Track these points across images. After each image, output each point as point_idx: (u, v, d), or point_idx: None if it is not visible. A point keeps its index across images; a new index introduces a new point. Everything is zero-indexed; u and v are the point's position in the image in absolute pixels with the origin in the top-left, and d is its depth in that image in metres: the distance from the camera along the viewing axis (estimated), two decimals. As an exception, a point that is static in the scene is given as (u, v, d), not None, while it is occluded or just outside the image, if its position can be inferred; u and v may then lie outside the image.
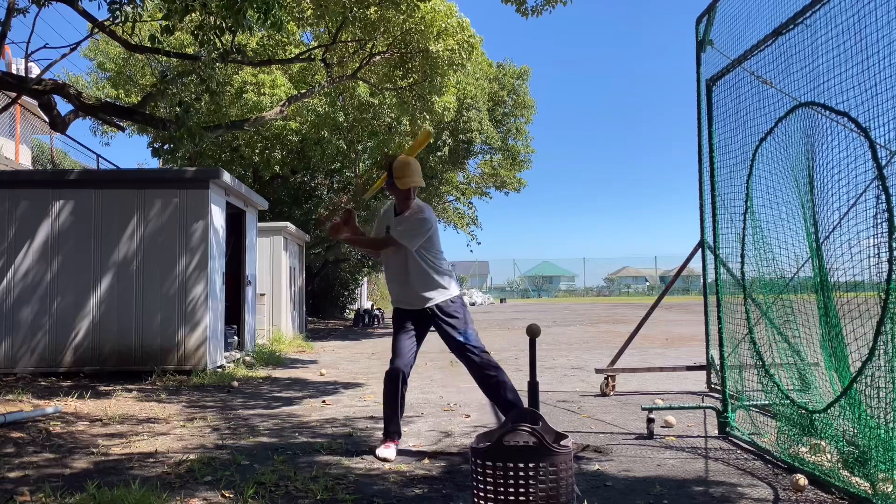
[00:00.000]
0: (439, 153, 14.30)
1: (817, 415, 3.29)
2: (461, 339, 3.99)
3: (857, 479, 2.97)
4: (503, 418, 5.07)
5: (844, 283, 2.86)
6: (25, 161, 16.53)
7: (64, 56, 7.57)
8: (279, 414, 5.38)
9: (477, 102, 14.39)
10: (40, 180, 8.16)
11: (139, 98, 10.56)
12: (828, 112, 2.87)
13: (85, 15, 7.41)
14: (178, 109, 7.15)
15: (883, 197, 2.36)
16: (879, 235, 2.41)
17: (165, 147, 9.62)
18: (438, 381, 7.44)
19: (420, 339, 4.11)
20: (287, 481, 3.36)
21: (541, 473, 2.52)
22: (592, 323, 18.08)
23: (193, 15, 6.36)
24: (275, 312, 12.31)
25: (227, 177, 7.99)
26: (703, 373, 6.16)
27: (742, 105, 3.93)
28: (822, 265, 3.13)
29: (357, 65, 9.69)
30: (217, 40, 6.51)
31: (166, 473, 3.54)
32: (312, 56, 9.82)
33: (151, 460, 3.83)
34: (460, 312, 4.07)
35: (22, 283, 7.45)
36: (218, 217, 7.91)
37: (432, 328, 4.11)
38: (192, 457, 3.86)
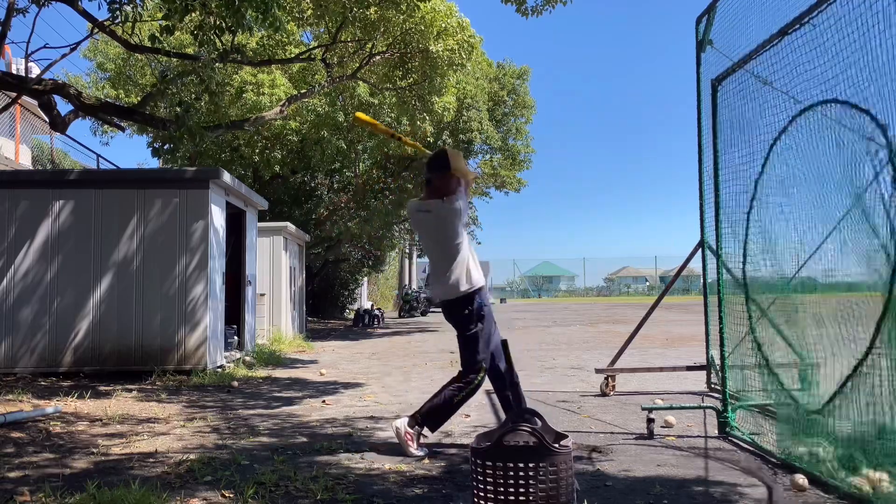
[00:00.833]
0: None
1: (816, 415, 3.29)
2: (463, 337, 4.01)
3: (858, 479, 2.97)
4: (503, 418, 5.07)
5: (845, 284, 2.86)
6: (25, 161, 16.53)
7: (64, 56, 7.58)
8: (279, 414, 5.38)
9: (477, 102, 14.39)
10: (40, 180, 8.16)
11: (139, 98, 10.56)
12: (850, 109, 2.85)
13: (85, 15, 7.41)
14: (177, 109, 7.15)
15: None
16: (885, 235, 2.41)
17: (165, 147, 9.62)
18: (439, 380, 7.44)
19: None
20: (287, 481, 3.36)
21: (541, 473, 2.52)
22: (592, 323, 18.08)
23: (193, 15, 6.36)
24: (275, 312, 12.31)
25: (227, 177, 7.99)
26: (703, 373, 6.16)
27: (750, 104, 3.91)
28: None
29: (357, 65, 9.69)
30: (217, 40, 6.52)
31: (166, 473, 3.54)
32: (312, 56, 9.82)
33: (151, 460, 3.83)
34: (471, 308, 4.07)
35: (22, 283, 7.45)
36: (218, 217, 7.91)
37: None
38: (192, 457, 3.86)
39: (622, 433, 4.51)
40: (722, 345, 4.39)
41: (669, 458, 3.82)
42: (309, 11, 9.05)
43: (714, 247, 4.61)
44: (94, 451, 4.06)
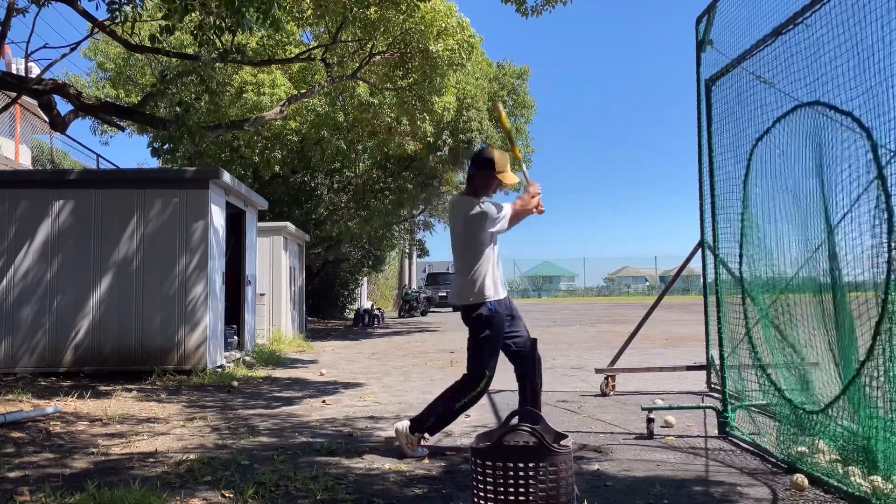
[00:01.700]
0: (439, 153, 14.30)
1: (816, 415, 3.30)
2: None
3: (858, 479, 2.97)
4: (503, 418, 5.08)
5: (846, 284, 2.86)
6: (25, 161, 16.53)
7: (64, 56, 7.58)
8: (279, 414, 5.38)
9: (477, 102, 14.38)
10: (40, 180, 8.16)
11: (139, 98, 10.56)
12: (831, 112, 2.87)
13: (85, 15, 7.41)
14: (177, 109, 7.15)
15: (882, 197, 2.36)
16: (879, 235, 2.41)
17: (165, 147, 9.62)
18: (439, 380, 7.44)
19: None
20: (287, 481, 3.36)
21: (541, 473, 2.52)
22: (592, 323, 18.08)
23: (193, 15, 6.36)
24: (275, 312, 12.31)
25: (226, 177, 7.99)
26: (703, 373, 6.16)
27: (741, 105, 3.93)
28: (833, 265, 3.12)
29: (357, 65, 9.70)
30: (217, 40, 6.52)
31: (166, 473, 3.54)
32: (312, 56, 9.82)
33: (151, 460, 3.84)
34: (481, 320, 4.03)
35: (22, 283, 7.45)
36: (218, 217, 7.92)
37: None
38: (192, 457, 3.86)
39: (622, 433, 4.52)
40: (721, 345, 4.40)
41: (669, 458, 3.82)
42: (309, 11, 9.05)
43: (713, 247, 4.61)
44: (94, 451, 4.06)
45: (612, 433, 4.54)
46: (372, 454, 3.97)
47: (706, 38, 4.54)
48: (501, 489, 2.54)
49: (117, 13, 6.08)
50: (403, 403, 5.84)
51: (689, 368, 6.37)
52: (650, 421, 4.33)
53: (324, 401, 6.01)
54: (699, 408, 4.74)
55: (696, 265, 6.36)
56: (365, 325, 18.65)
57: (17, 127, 16.00)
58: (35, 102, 9.65)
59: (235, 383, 7.05)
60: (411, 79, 9.85)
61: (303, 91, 10.67)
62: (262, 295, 11.79)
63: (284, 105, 9.52)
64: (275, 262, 12.32)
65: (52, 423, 4.87)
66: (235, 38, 7.18)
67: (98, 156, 17.70)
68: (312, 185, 16.69)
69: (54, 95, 7.39)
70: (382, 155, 15.12)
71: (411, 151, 13.76)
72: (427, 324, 19.93)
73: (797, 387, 3.60)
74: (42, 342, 7.41)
